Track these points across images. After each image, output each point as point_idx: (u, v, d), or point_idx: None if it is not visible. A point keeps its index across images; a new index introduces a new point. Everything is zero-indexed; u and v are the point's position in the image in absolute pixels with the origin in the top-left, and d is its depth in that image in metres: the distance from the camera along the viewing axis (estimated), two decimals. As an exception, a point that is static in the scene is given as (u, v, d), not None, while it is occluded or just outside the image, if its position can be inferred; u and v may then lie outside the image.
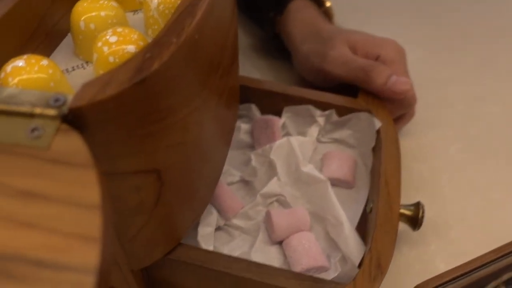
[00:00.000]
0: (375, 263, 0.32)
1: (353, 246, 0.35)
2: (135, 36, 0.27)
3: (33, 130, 0.19)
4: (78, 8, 0.29)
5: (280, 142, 0.40)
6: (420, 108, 0.47)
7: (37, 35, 0.31)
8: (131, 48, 0.26)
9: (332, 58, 0.44)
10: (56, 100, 0.20)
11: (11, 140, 0.19)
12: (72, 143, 0.19)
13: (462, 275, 0.32)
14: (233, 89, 0.37)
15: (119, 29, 0.27)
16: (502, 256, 0.33)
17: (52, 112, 0.20)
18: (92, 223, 0.17)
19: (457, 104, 0.53)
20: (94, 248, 0.17)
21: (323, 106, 0.43)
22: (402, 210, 0.37)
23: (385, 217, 0.34)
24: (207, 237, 0.35)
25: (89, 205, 0.18)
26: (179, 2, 0.30)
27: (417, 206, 0.37)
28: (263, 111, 0.45)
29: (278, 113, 0.44)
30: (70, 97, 0.20)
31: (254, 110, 0.44)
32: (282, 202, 0.39)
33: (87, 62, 0.30)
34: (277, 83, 0.44)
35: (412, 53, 0.47)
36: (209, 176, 0.34)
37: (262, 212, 0.38)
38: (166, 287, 0.35)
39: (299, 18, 0.50)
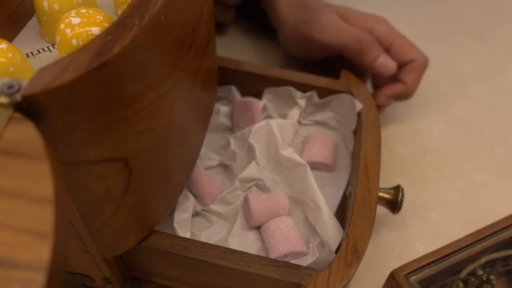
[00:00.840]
0: (351, 248, 0.31)
1: (331, 231, 0.34)
2: (100, 17, 0.25)
3: (-14, 118, 0.18)
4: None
5: (260, 125, 0.39)
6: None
7: (7, 15, 0.29)
8: (96, 30, 0.25)
9: (323, 25, 0.42)
10: (10, 87, 0.19)
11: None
12: (25, 133, 0.18)
13: (439, 258, 0.32)
14: (210, 71, 0.36)
15: (83, 10, 0.26)
16: (479, 240, 0.32)
17: (3, 100, 0.19)
18: (45, 217, 0.16)
19: (442, 84, 0.52)
20: (46, 244, 0.16)
21: (304, 87, 0.42)
22: (381, 194, 0.36)
23: (363, 201, 0.34)
24: (183, 223, 0.35)
25: (41, 199, 0.17)
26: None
27: (397, 189, 0.37)
28: (244, 93, 0.44)
29: (259, 95, 0.43)
30: (25, 83, 0.19)
31: (234, 92, 0.43)
32: (261, 187, 0.39)
33: (53, 45, 0.29)
34: (257, 64, 0.43)
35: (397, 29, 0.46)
36: (184, 161, 0.33)
37: (241, 197, 0.38)
38: (141, 273, 0.34)
39: None
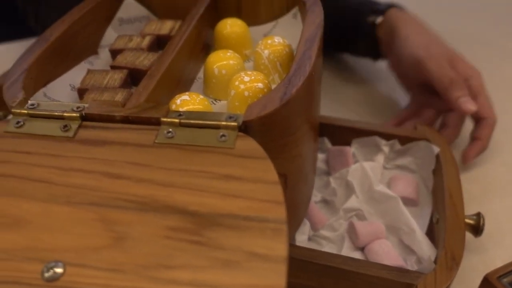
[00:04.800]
0: (450, 256, 0.38)
1: (426, 249, 0.41)
2: (261, 77, 0.36)
3: (221, 136, 0.28)
4: (212, 58, 0.39)
5: (355, 166, 0.48)
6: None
7: (180, 82, 0.40)
8: (260, 85, 0.35)
9: (437, 54, 0.54)
10: (230, 117, 0.29)
11: (207, 143, 0.28)
12: (249, 144, 0.28)
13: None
14: (317, 123, 0.45)
15: (249, 72, 0.36)
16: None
17: (233, 124, 0.28)
18: (277, 193, 0.25)
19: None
20: (282, 208, 0.24)
21: (386, 136, 0.51)
22: (465, 220, 0.43)
23: (453, 221, 0.41)
24: (303, 243, 0.42)
25: (272, 182, 0.26)
26: (284, 52, 0.40)
27: (478, 215, 0.44)
28: (334, 143, 0.53)
29: (346, 145, 0.52)
30: (241, 115, 0.29)
31: (326, 142, 0.53)
32: (360, 216, 0.46)
33: (215, 99, 0.39)
34: (346, 119, 0.53)
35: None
36: (306, 194, 0.41)
37: (344, 224, 0.45)
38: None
39: (405, 16, 0.60)
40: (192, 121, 0.29)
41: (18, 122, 0.30)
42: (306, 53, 0.34)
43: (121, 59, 0.41)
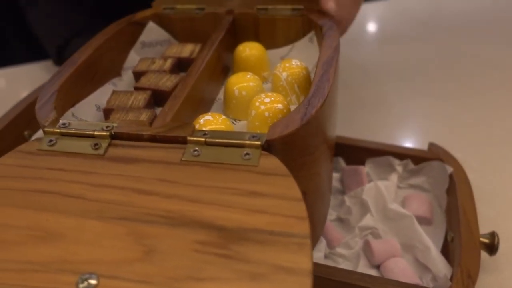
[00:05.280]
0: (466, 274, 0.39)
1: (441, 266, 0.42)
2: (280, 98, 0.37)
3: (245, 154, 0.29)
4: (232, 80, 0.40)
5: (369, 185, 0.49)
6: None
7: (202, 102, 0.41)
8: (280, 106, 0.36)
9: None
10: (253, 136, 0.30)
11: (232, 161, 0.29)
12: (272, 162, 0.29)
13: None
14: (333, 142, 0.47)
15: (269, 93, 0.37)
16: None
17: (257, 143, 0.29)
18: (301, 209, 0.26)
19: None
20: (305, 223, 0.25)
21: (400, 156, 0.52)
22: (480, 238, 0.44)
23: (468, 239, 0.42)
24: (320, 260, 0.43)
25: (295, 199, 0.27)
26: (301, 74, 0.41)
27: (493, 234, 0.44)
28: (348, 162, 0.54)
29: (361, 164, 0.53)
30: (264, 134, 0.30)
31: (341, 162, 0.54)
32: (375, 235, 0.47)
33: (235, 120, 0.41)
34: (360, 139, 0.54)
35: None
36: (323, 212, 0.42)
37: (360, 242, 0.46)
38: None
39: None
40: (217, 140, 0.30)
41: (50, 141, 0.32)
42: (324, 76, 0.35)
43: (144, 81, 0.43)
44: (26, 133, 0.50)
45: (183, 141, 0.31)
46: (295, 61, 0.42)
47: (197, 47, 0.48)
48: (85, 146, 0.31)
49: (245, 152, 0.29)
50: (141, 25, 0.49)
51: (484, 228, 0.51)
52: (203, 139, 0.30)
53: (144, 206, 0.27)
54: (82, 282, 0.24)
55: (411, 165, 0.52)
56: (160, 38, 0.50)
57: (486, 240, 0.44)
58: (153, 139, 0.31)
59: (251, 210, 0.26)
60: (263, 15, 0.48)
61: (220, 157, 0.29)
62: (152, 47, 0.50)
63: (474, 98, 0.70)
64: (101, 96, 0.43)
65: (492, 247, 0.44)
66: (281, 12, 0.48)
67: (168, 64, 0.45)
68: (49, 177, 0.30)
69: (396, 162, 0.52)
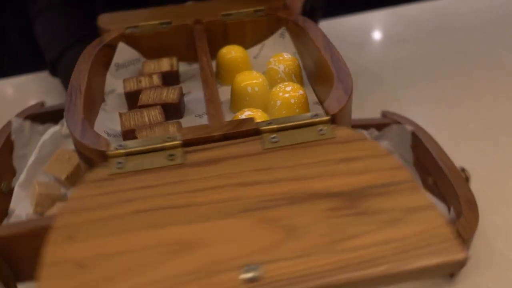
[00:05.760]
0: (466, 200, 0.46)
1: (438, 204, 0.49)
2: (297, 85, 0.40)
3: (319, 130, 0.32)
4: (241, 79, 0.42)
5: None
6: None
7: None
8: (301, 92, 0.40)
9: None
10: (315, 115, 0.33)
11: (310, 139, 0.31)
12: (345, 131, 0.32)
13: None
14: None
15: (286, 83, 0.40)
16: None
17: (326, 118, 0.32)
18: (394, 161, 0.30)
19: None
20: (406, 171, 0.29)
21: (365, 127, 0.58)
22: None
23: (455, 175, 0.49)
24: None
25: (383, 154, 0.30)
26: (295, 64, 0.45)
27: (463, 169, 0.53)
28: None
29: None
30: (321, 112, 0.33)
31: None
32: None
33: (249, 116, 0.43)
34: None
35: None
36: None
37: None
38: None
39: None
40: (289, 124, 0.32)
41: (119, 163, 0.31)
42: (333, 58, 0.40)
43: (145, 98, 0.43)
44: (2, 185, 0.45)
45: (254, 133, 0.32)
46: (286, 54, 0.45)
47: (173, 60, 0.48)
48: (159, 160, 0.31)
49: (319, 128, 0.32)
50: (112, 47, 0.48)
51: (493, 236, 0.48)
52: (275, 126, 0.32)
53: (256, 195, 0.28)
54: (247, 273, 0.24)
55: (376, 132, 0.59)
56: (132, 58, 0.49)
57: (463, 175, 0.52)
58: (224, 138, 0.32)
59: (354, 173, 0.29)
60: (231, 20, 0.51)
61: (297, 138, 0.32)
62: (125, 67, 0.49)
63: (481, 104, 0.68)
64: (104, 122, 0.41)
65: (467, 180, 0.52)
66: (246, 15, 0.51)
67: (157, 79, 0.45)
68: (141, 196, 0.29)
69: (364, 132, 0.58)
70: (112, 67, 0.48)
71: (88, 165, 0.34)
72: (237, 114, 0.38)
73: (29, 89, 0.71)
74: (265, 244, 0.26)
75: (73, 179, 0.46)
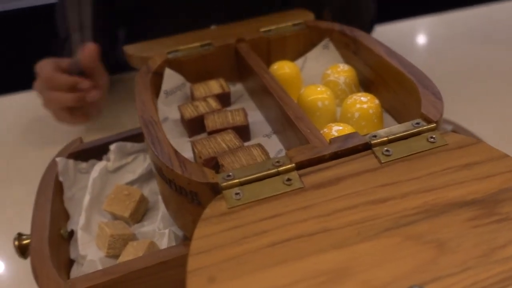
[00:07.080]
0: None
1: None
2: (370, 96, 0.40)
3: (430, 138, 0.31)
4: (307, 94, 0.41)
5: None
6: None
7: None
8: (377, 101, 0.39)
9: None
10: (418, 123, 0.33)
11: (422, 148, 0.31)
12: (455, 136, 0.32)
13: None
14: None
15: (359, 94, 0.40)
16: None
17: (432, 125, 0.32)
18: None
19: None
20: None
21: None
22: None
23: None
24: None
25: (502, 156, 0.30)
26: (353, 74, 0.44)
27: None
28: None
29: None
30: (422, 120, 0.33)
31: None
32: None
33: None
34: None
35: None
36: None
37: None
38: None
39: None
40: (398, 135, 0.32)
41: (237, 194, 0.29)
42: (403, 63, 0.39)
43: (212, 124, 0.41)
44: (62, 230, 0.42)
45: (363, 149, 0.31)
46: (342, 65, 0.45)
47: (221, 81, 0.47)
48: (277, 186, 0.29)
49: (429, 136, 0.31)
50: (159, 74, 0.46)
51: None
52: (386, 139, 0.31)
53: (392, 212, 0.27)
54: (414, 296, 0.23)
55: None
56: (178, 83, 0.47)
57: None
58: (335, 156, 0.31)
59: (481, 178, 0.29)
60: (273, 35, 0.50)
61: (409, 149, 0.31)
62: (173, 93, 0.47)
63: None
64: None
65: None
66: (286, 29, 0.50)
67: (214, 103, 0.44)
68: (273, 227, 0.27)
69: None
70: (161, 94, 0.46)
71: (189, 199, 0.32)
72: (324, 130, 0.37)
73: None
74: (420, 262, 0.25)
75: (136, 215, 0.43)
